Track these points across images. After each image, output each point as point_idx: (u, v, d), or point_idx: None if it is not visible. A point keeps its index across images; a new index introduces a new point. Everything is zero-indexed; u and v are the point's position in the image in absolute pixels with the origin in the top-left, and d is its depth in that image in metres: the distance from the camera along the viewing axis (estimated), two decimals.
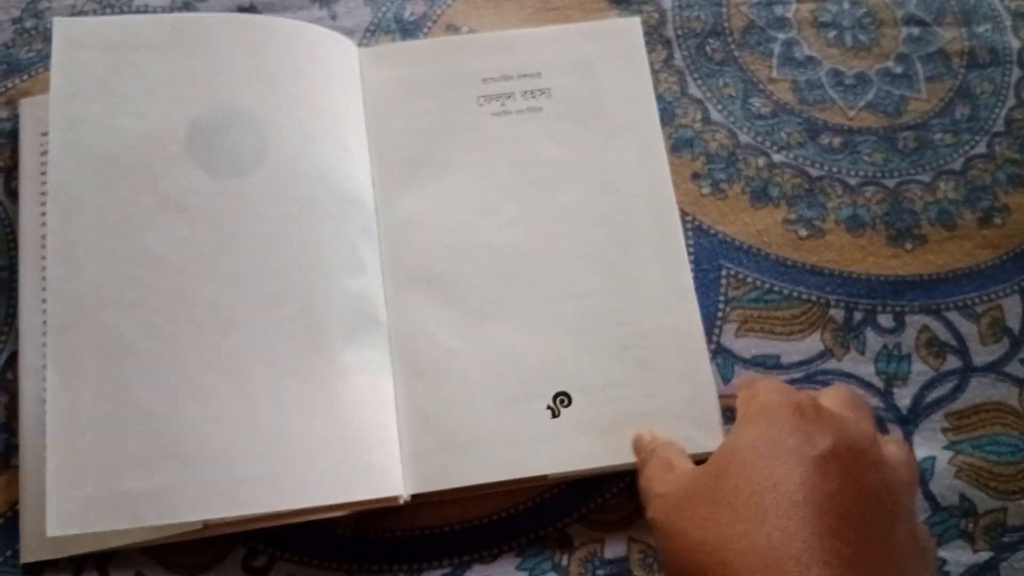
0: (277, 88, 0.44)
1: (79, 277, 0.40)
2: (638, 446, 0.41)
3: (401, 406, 0.42)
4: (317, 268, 0.42)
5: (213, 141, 0.43)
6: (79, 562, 0.41)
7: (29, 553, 0.41)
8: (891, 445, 0.34)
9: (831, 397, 0.36)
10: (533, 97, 0.48)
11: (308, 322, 0.41)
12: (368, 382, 0.42)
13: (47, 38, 0.50)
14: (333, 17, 0.50)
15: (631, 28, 0.49)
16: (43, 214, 0.46)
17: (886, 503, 0.31)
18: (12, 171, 0.47)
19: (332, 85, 0.46)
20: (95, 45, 0.43)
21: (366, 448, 0.41)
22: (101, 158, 0.42)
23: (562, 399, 0.42)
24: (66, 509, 0.37)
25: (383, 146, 0.46)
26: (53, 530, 0.37)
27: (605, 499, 0.43)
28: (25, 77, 0.49)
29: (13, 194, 0.47)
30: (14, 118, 0.48)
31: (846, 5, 0.51)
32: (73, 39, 0.43)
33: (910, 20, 0.51)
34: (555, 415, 0.42)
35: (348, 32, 0.50)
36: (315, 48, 0.46)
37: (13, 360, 0.44)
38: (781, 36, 0.50)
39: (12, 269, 0.46)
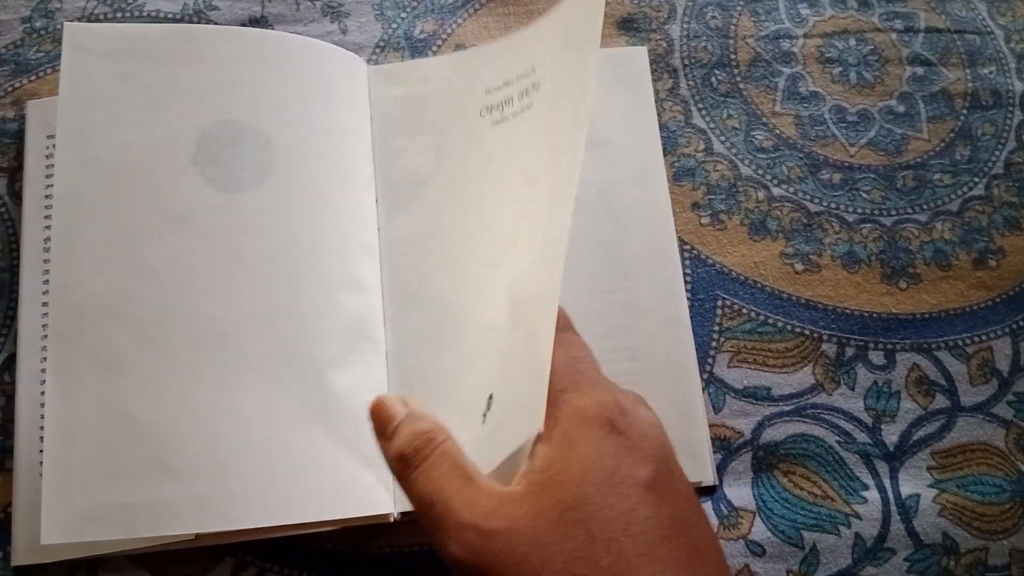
0: (284, 104, 0.44)
1: (80, 287, 0.40)
2: (386, 415, 0.32)
3: None
4: (316, 285, 0.42)
5: (219, 154, 0.43)
6: (70, 568, 0.41)
7: (20, 557, 0.41)
8: (641, 407, 0.33)
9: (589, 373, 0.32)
10: (527, 95, 0.47)
11: (305, 339, 0.41)
12: (364, 400, 0.42)
13: (56, 39, 0.50)
14: (344, 32, 0.51)
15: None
16: (46, 217, 0.46)
17: (692, 512, 0.30)
18: (17, 172, 0.47)
19: (340, 103, 0.46)
20: (104, 53, 0.43)
21: (358, 465, 0.41)
22: (107, 168, 0.42)
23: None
24: (61, 518, 0.38)
25: (388, 163, 0.46)
26: (47, 538, 0.37)
27: None
28: (33, 78, 0.49)
29: (17, 196, 0.47)
30: (20, 119, 0.48)
31: (852, 42, 0.51)
32: (82, 46, 0.43)
33: (915, 59, 0.51)
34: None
35: (358, 47, 0.50)
36: (324, 66, 0.46)
37: (11, 362, 0.44)
38: (786, 70, 0.51)
39: (13, 271, 0.46)
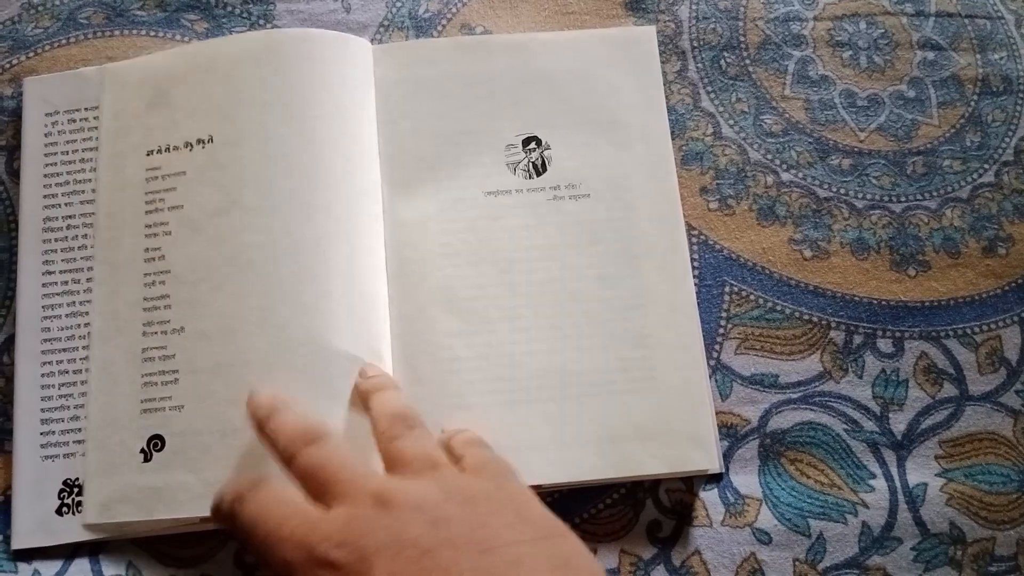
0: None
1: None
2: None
3: None
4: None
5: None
6: (72, 550, 0.41)
7: (20, 539, 0.41)
8: (469, 451, 0.36)
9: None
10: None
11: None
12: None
13: (55, 15, 0.49)
14: (347, 10, 0.50)
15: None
16: (45, 196, 0.46)
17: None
18: (15, 151, 0.47)
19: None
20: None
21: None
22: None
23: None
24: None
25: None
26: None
27: (598, 509, 0.43)
28: (31, 54, 0.48)
29: (15, 175, 0.46)
30: (18, 96, 0.47)
31: (863, 25, 0.51)
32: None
33: (926, 44, 0.51)
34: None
35: (361, 26, 0.49)
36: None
37: (10, 343, 0.44)
38: (796, 54, 0.50)
39: (12, 251, 0.45)
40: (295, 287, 0.42)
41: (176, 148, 0.44)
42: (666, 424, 0.42)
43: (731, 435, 0.44)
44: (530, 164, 0.46)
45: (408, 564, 0.29)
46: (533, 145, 0.46)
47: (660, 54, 0.49)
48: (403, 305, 0.44)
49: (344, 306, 0.42)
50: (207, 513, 0.38)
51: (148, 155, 0.45)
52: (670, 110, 0.48)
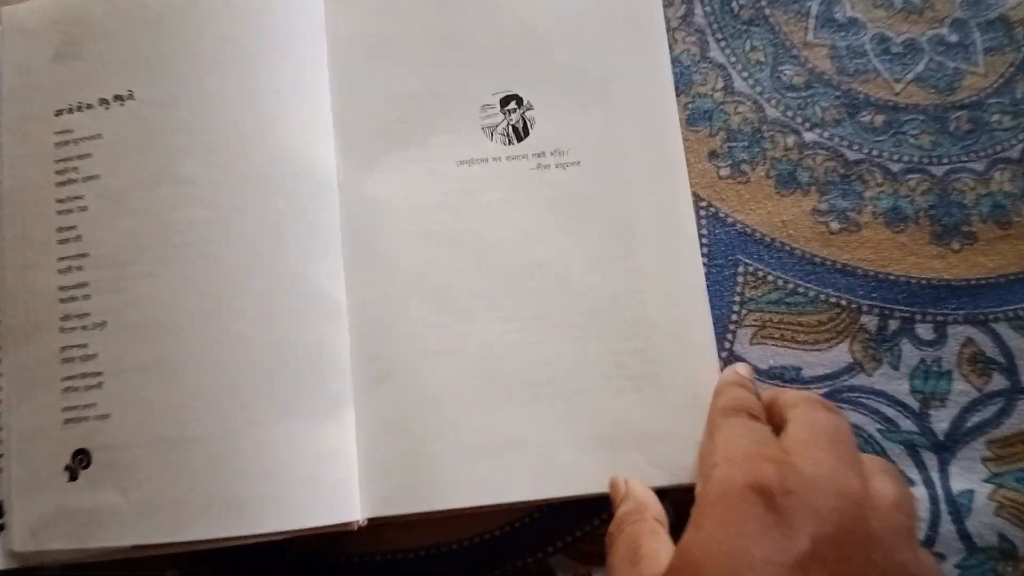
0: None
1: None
2: (613, 495, 0.37)
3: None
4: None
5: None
6: None
7: None
8: (877, 479, 0.32)
9: (801, 434, 0.32)
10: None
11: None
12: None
13: None
14: None
15: None
16: None
17: None
18: None
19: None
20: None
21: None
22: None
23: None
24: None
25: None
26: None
27: (594, 526, 0.39)
28: None
29: None
30: None
31: None
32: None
33: None
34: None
35: None
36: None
37: None
38: None
39: None
40: (243, 274, 0.38)
41: (90, 106, 0.40)
42: (670, 427, 0.38)
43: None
44: (509, 127, 0.41)
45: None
46: (513, 105, 0.41)
47: None
48: (365, 292, 0.39)
49: (299, 295, 0.38)
50: (141, 541, 0.36)
51: (57, 115, 0.40)
52: (674, 61, 0.43)
